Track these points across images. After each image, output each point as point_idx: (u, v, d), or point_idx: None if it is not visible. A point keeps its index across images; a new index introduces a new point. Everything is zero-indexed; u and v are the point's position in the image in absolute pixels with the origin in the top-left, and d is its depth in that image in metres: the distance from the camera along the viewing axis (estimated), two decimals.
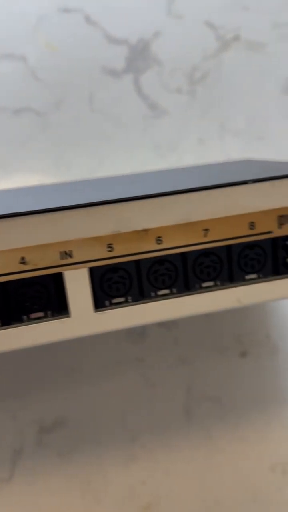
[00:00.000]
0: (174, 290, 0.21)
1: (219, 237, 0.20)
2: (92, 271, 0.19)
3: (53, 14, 0.38)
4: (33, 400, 0.27)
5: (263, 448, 0.27)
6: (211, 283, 0.21)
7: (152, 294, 0.21)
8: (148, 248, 0.20)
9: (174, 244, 0.20)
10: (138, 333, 0.29)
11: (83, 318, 0.20)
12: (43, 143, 0.34)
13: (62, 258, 0.19)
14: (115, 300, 0.20)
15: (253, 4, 0.40)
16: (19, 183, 0.33)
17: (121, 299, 0.20)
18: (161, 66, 0.37)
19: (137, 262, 0.20)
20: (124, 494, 0.26)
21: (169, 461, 0.26)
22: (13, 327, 0.19)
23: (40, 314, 0.20)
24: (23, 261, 0.19)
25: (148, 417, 0.27)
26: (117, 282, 0.20)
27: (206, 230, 0.20)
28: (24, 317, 0.20)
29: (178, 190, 0.19)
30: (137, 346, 0.29)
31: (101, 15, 0.38)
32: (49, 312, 0.20)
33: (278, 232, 0.21)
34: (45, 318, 0.20)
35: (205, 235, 0.20)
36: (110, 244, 0.19)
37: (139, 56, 0.37)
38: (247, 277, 0.21)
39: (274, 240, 0.21)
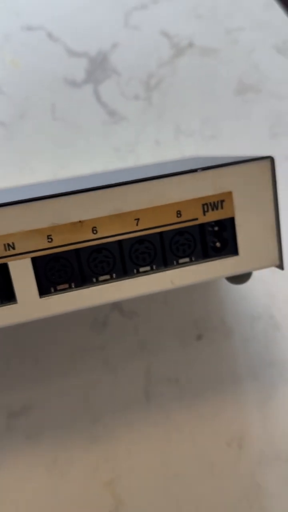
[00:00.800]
0: (114, 275, 0.23)
1: (150, 225, 0.22)
2: (35, 260, 0.21)
3: (17, 32, 0.40)
4: (0, 388, 0.29)
5: (219, 425, 0.29)
6: (147, 268, 0.23)
7: (94, 279, 0.22)
8: (85, 238, 0.21)
9: (109, 233, 0.22)
10: (100, 323, 0.31)
11: (29, 304, 0.21)
12: (8, 151, 0.36)
13: (6, 250, 0.21)
14: (59, 287, 0.22)
15: (205, 12, 0.43)
16: None
17: (65, 286, 0.22)
18: (119, 75, 0.39)
19: (76, 251, 0.22)
20: (88, 471, 0.28)
21: (130, 439, 0.28)
22: None
23: None
24: None
25: (110, 400, 0.29)
26: (60, 270, 0.22)
27: (137, 219, 0.22)
28: None
29: (109, 184, 0.21)
30: (99, 334, 0.31)
31: (62, 31, 0.41)
32: None
33: (203, 219, 0.23)
34: None
35: (137, 224, 0.22)
36: (49, 235, 0.21)
37: (98, 67, 0.40)
38: (180, 261, 0.23)
39: (201, 226, 0.23)
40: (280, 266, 0.24)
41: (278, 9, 0.44)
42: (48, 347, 0.30)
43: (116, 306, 0.31)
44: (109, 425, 0.28)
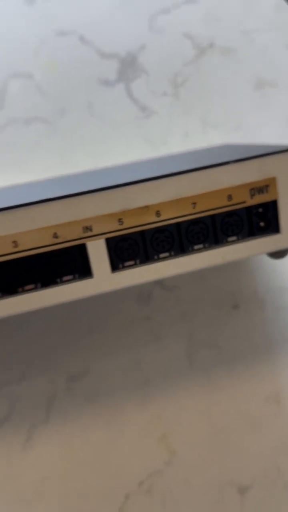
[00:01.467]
0: (172, 253, 0.26)
1: (204, 208, 0.25)
2: (108, 241, 0.24)
3: (52, 37, 0.44)
4: (61, 355, 0.32)
5: (257, 384, 0.32)
6: (201, 246, 0.26)
7: (155, 257, 0.25)
8: (150, 220, 0.24)
9: (170, 216, 0.25)
10: (145, 296, 0.34)
11: (103, 278, 0.25)
12: (51, 146, 0.40)
13: (84, 232, 0.24)
14: (127, 263, 0.25)
15: (224, 15, 0.46)
16: (34, 180, 0.38)
17: (131, 262, 0.25)
18: (147, 74, 0.43)
19: (142, 232, 0.25)
20: (142, 427, 0.31)
21: (178, 398, 0.31)
22: (50, 288, 0.24)
23: (70, 277, 0.24)
24: (55, 236, 0.23)
25: (158, 364, 0.32)
26: (128, 249, 0.25)
27: (194, 203, 0.25)
28: (58, 279, 0.24)
29: (170, 173, 0.24)
30: (145, 307, 0.34)
31: (92, 35, 0.44)
32: (76, 275, 0.25)
33: (250, 202, 0.26)
34: (74, 280, 0.25)
35: (194, 208, 0.25)
36: (120, 218, 0.24)
37: (128, 67, 0.43)
38: (229, 239, 0.26)
39: (248, 209, 0.26)
40: None
41: None
42: (101, 319, 0.33)
43: (159, 281, 0.34)
44: (158, 386, 0.31)
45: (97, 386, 0.30)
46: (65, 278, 0.24)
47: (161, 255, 0.25)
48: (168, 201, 0.24)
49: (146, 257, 0.25)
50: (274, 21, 0.47)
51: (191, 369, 0.32)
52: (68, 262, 0.24)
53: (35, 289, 0.24)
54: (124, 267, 0.25)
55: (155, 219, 0.25)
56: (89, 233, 0.24)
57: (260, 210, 0.26)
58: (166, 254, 0.25)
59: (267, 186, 0.25)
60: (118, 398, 0.31)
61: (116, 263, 0.25)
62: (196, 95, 0.42)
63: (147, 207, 0.24)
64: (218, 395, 0.32)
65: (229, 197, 0.25)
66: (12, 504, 0.28)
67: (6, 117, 0.40)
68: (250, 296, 0.34)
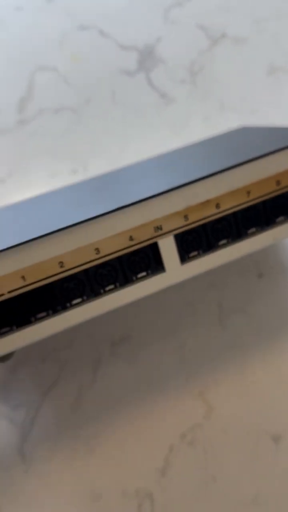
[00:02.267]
0: (230, 240, 0.27)
1: (258, 195, 0.27)
2: (175, 236, 0.26)
3: (73, 32, 0.46)
4: (104, 322, 0.34)
5: (284, 343, 0.35)
6: (254, 229, 0.28)
7: (216, 244, 0.27)
8: (211, 213, 0.26)
9: (228, 206, 0.27)
10: None
11: (174, 271, 0.26)
12: (79, 133, 0.42)
13: (155, 232, 0.25)
14: (191, 254, 0.27)
15: (234, 5, 0.49)
16: (63, 166, 0.41)
17: (195, 253, 0.27)
18: (165, 63, 0.45)
19: (204, 224, 0.27)
20: (180, 386, 0.33)
21: (212, 358, 0.34)
22: (130, 285, 0.26)
23: (144, 273, 0.26)
24: (131, 239, 0.25)
25: (192, 329, 0.35)
26: (192, 241, 0.27)
27: (248, 192, 0.27)
28: (134, 277, 0.26)
29: (225, 168, 0.26)
30: None
31: (111, 29, 0.47)
32: (149, 271, 0.26)
33: None
34: (148, 276, 0.26)
35: (248, 195, 0.27)
36: (186, 215, 0.26)
37: (147, 58, 0.45)
38: (277, 220, 0.28)
39: None
40: None
41: None
42: None
43: None
44: (193, 349, 0.34)
45: (137, 350, 0.33)
46: (139, 275, 0.26)
47: (220, 243, 0.27)
48: (225, 193, 0.26)
49: (208, 246, 0.27)
50: (283, 9, 0.49)
51: (223, 332, 0.35)
52: (142, 261, 0.26)
53: (115, 289, 0.26)
54: (190, 258, 0.27)
55: (215, 211, 0.26)
56: (160, 232, 0.25)
57: None
58: (225, 241, 0.27)
59: None
60: (157, 361, 0.34)
61: (183, 255, 0.27)
62: (212, 81, 0.45)
63: (208, 201, 0.26)
64: (250, 355, 0.34)
65: (278, 182, 0.27)
66: (67, 459, 0.31)
67: (35, 108, 0.42)
68: (274, 265, 0.37)
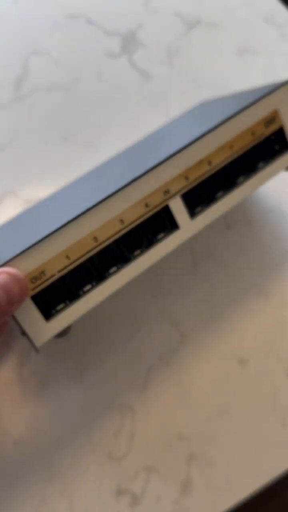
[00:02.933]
0: (225, 191, 0.31)
1: (239, 147, 0.31)
2: (182, 196, 0.29)
3: (63, 20, 0.51)
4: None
5: (249, 281, 0.40)
6: (242, 178, 0.32)
7: (214, 197, 0.31)
8: (206, 170, 0.30)
9: (218, 161, 0.30)
10: None
11: (186, 227, 0.29)
12: (69, 106, 0.47)
13: (165, 195, 0.29)
14: (197, 209, 0.30)
15: None
16: (55, 135, 0.46)
17: (200, 208, 0.31)
18: (146, 47, 0.51)
19: (202, 182, 0.30)
20: (157, 317, 0.39)
21: (186, 295, 0.39)
22: (153, 247, 0.29)
23: (162, 234, 0.29)
24: (147, 205, 0.28)
25: (167, 269, 0.40)
26: (195, 197, 0.30)
27: (231, 146, 0.31)
28: (154, 239, 0.29)
29: (210, 129, 0.29)
30: None
31: (97, 17, 0.52)
32: (166, 231, 0.29)
33: (267, 132, 0.32)
34: (166, 235, 0.29)
35: (231, 149, 0.31)
36: (186, 176, 0.29)
37: (129, 42, 0.51)
38: (259, 166, 0.32)
39: (266, 138, 0.32)
40: None
41: None
42: None
43: None
44: (168, 287, 0.39)
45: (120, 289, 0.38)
46: (159, 236, 0.29)
47: (218, 195, 0.31)
48: (213, 151, 0.30)
49: (210, 199, 0.30)
50: None
51: (195, 274, 0.40)
52: (160, 223, 0.29)
53: (142, 252, 0.28)
54: (196, 213, 0.30)
55: (208, 167, 0.30)
56: (168, 195, 0.28)
57: (273, 137, 0.32)
58: (221, 193, 0.31)
59: (274, 117, 0.32)
60: (137, 298, 0.39)
61: (191, 211, 0.30)
62: (188, 62, 0.50)
63: (201, 160, 0.29)
64: (218, 292, 0.39)
65: (253, 133, 0.31)
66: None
67: (29, 87, 0.48)
68: (241, 218, 0.42)
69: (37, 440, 0.34)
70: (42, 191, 0.42)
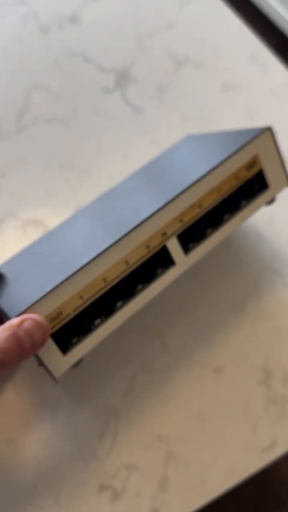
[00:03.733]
0: (214, 228, 0.34)
1: (225, 190, 0.34)
2: (177, 237, 0.33)
3: (63, 56, 0.57)
4: None
5: (225, 296, 0.44)
6: (228, 216, 0.35)
7: (206, 232, 0.34)
8: (197, 212, 0.33)
9: (207, 204, 0.34)
10: None
11: (181, 263, 0.33)
12: (67, 136, 0.52)
13: (162, 237, 0.32)
14: (190, 246, 0.34)
15: (196, 36, 0.59)
16: (53, 162, 0.50)
17: (192, 244, 0.34)
18: (138, 83, 0.56)
19: (195, 222, 0.34)
20: (143, 328, 0.42)
21: (169, 310, 0.43)
22: (153, 282, 0.32)
23: (160, 270, 0.32)
24: (147, 247, 0.31)
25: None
26: (189, 236, 0.34)
27: (219, 190, 0.34)
28: (154, 275, 0.32)
29: (202, 176, 0.33)
30: None
31: (94, 55, 0.57)
32: (164, 268, 0.32)
33: (248, 175, 0.36)
34: (164, 271, 0.33)
35: (219, 192, 0.34)
36: (181, 219, 0.32)
37: (123, 79, 0.56)
38: (242, 203, 0.36)
39: (248, 180, 0.36)
40: None
41: (246, 32, 0.60)
42: None
43: None
44: (153, 301, 0.43)
45: None
46: (158, 272, 0.32)
47: (208, 231, 0.35)
48: (203, 195, 0.34)
49: (201, 237, 0.34)
50: (236, 40, 0.60)
51: (178, 289, 0.44)
52: (158, 261, 0.32)
53: (143, 287, 0.32)
54: (190, 249, 0.34)
55: (199, 210, 0.33)
56: (166, 237, 0.32)
57: (254, 178, 0.36)
58: (210, 230, 0.35)
59: (254, 161, 0.36)
60: None
61: (185, 248, 0.33)
62: (176, 97, 0.55)
63: (193, 204, 0.33)
64: (199, 307, 0.43)
65: (236, 177, 0.35)
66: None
67: (30, 119, 0.52)
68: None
69: (27, 440, 0.38)
70: (39, 213, 0.47)
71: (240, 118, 0.54)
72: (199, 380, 0.40)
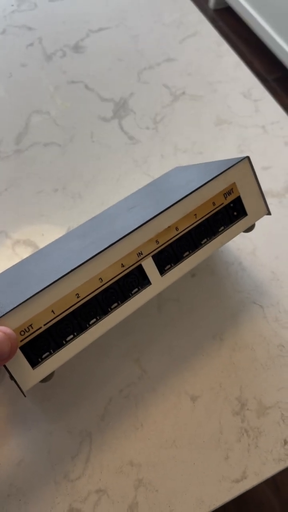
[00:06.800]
0: (190, 251, 0.36)
1: (202, 215, 0.36)
2: (153, 257, 0.33)
3: (64, 85, 0.59)
4: None
5: (206, 327, 0.45)
6: (205, 240, 0.36)
7: (181, 256, 0.35)
8: (173, 235, 0.35)
9: (184, 227, 0.35)
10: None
11: (156, 283, 0.34)
12: (63, 161, 0.54)
13: (138, 256, 0.33)
14: (166, 267, 0.35)
15: (194, 70, 0.62)
16: (47, 186, 0.52)
17: (169, 266, 0.35)
18: (135, 113, 0.58)
19: (170, 244, 0.35)
20: (121, 351, 0.43)
21: (150, 334, 0.44)
22: (128, 300, 0.33)
23: (136, 289, 0.33)
24: (122, 266, 0.32)
25: (135, 313, 0.44)
26: (165, 258, 0.35)
27: (195, 214, 0.35)
28: (129, 293, 0.33)
29: (178, 200, 0.34)
30: None
31: (95, 84, 0.59)
32: (140, 287, 0.33)
33: (226, 202, 0.37)
34: (140, 290, 0.33)
35: (195, 217, 0.36)
36: (157, 240, 0.33)
37: (121, 108, 0.58)
38: (220, 229, 0.37)
39: (225, 206, 0.37)
40: (269, 213, 0.39)
41: (244, 68, 0.63)
42: None
43: None
44: (134, 326, 0.44)
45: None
46: (134, 291, 0.33)
47: (184, 254, 0.36)
48: (180, 219, 0.34)
49: (177, 259, 0.35)
50: (232, 75, 0.62)
51: (159, 315, 0.45)
52: (134, 280, 0.33)
53: (118, 305, 0.33)
54: (166, 270, 0.34)
55: (176, 232, 0.34)
56: (142, 256, 0.33)
57: (232, 205, 0.38)
58: (187, 252, 0.36)
59: (232, 189, 0.37)
60: (106, 335, 0.44)
61: (161, 269, 0.34)
62: (171, 129, 0.57)
63: (169, 227, 0.34)
64: (179, 333, 0.44)
65: (213, 203, 0.37)
66: None
67: (29, 142, 0.54)
68: (205, 267, 0.48)
69: (1, 458, 0.38)
70: (31, 233, 0.48)
71: (230, 152, 0.55)
72: (174, 407, 0.41)
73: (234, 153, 0.55)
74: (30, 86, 0.58)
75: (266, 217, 0.50)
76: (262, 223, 0.50)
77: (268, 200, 0.51)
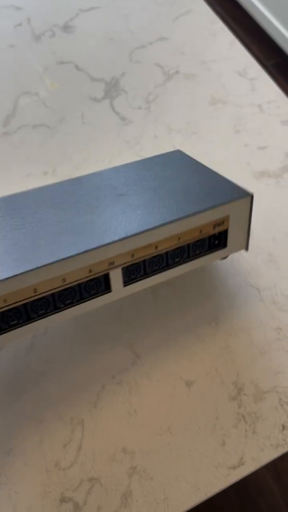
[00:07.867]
0: (161, 268, 0.35)
1: (186, 240, 0.35)
2: (123, 268, 0.33)
3: (54, 65, 0.57)
4: None
5: (199, 312, 0.44)
6: (179, 260, 0.36)
7: (151, 272, 0.35)
8: (151, 252, 0.34)
9: (165, 246, 0.34)
10: None
11: (117, 291, 0.34)
12: (53, 145, 0.52)
13: (109, 266, 0.32)
14: (131, 281, 0.35)
15: (187, 49, 0.60)
16: (37, 169, 0.50)
17: (134, 278, 0.35)
18: (127, 93, 0.56)
19: (144, 260, 0.34)
20: (115, 338, 0.42)
21: (144, 320, 0.43)
22: (88, 300, 0.33)
23: (98, 294, 0.33)
24: (90, 271, 0.32)
25: (130, 297, 0.43)
26: (133, 271, 0.34)
27: (179, 238, 0.35)
28: (87, 296, 0.33)
29: (165, 222, 0.33)
30: None
31: (85, 64, 0.57)
32: (100, 292, 0.33)
33: (212, 232, 0.36)
34: (98, 295, 0.33)
35: (178, 240, 0.35)
36: (133, 254, 0.33)
37: (112, 88, 0.56)
38: (197, 253, 0.37)
39: (210, 236, 0.37)
40: (246, 249, 0.39)
41: (239, 47, 0.61)
42: None
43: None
44: (129, 312, 0.43)
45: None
46: (91, 292, 0.33)
47: (154, 270, 0.36)
48: (163, 239, 0.34)
49: (145, 274, 0.35)
50: (227, 54, 0.60)
51: (154, 301, 0.43)
52: (96, 286, 0.33)
53: (71, 305, 0.33)
54: (130, 282, 0.34)
55: (154, 250, 0.34)
56: (112, 266, 0.33)
57: (216, 234, 0.37)
58: (157, 269, 0.36)
59: (223, 221, 0.36)
60: (98, 320, 0.42)
61: (126, 280, 0.34)
62: (164, 109, 0.55)
63: (150, 244, 0.33)
64: (173, 317, 0.43)
65: (201, 231, 0.36)
66: None
67: (18, 123, 0.53)
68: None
69: None
70: None
71: (226, 132, 0.54)
72: (169, 393, 0.40)
73: (229, 133, 0.54)
74: (18, 67, 0.56)
75: (262, 197, 0.49)
76: (259, 204, 0.48)
77: (265, 181, 0.50)
